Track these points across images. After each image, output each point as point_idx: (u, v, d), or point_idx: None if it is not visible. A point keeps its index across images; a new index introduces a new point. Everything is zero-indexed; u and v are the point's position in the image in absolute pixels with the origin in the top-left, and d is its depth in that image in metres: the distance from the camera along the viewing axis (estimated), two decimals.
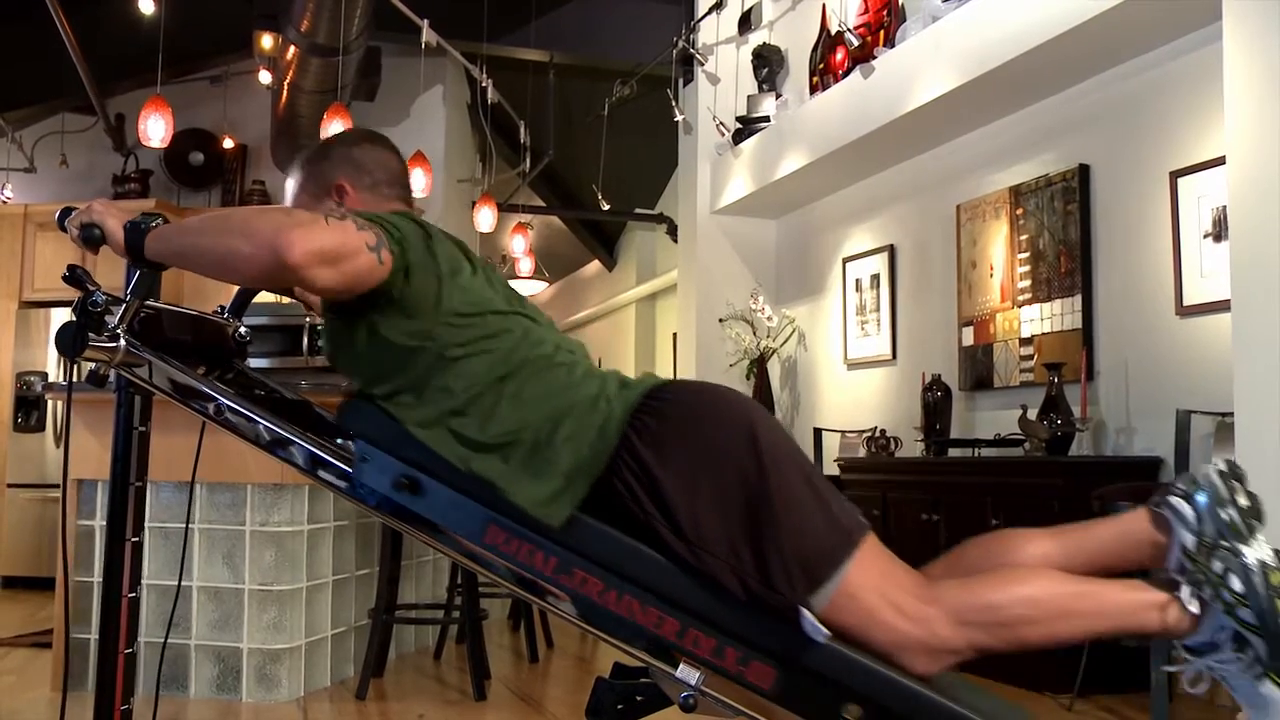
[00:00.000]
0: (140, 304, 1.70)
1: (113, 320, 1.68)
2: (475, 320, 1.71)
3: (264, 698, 3.66)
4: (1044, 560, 1.72)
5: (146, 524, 3.73)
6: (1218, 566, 1.62)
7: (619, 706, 1.63)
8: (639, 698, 1.64)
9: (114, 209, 1.69)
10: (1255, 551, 1.61)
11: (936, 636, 1.60)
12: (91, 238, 1.66)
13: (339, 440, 1.88)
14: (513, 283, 10.99)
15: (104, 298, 1.66)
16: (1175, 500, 1.68)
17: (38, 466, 6.95)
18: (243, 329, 2.01)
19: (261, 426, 1.70)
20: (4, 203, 7.31)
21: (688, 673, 1.53)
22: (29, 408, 7.03)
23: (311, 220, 1.58)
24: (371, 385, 1.72)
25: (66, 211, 1.72)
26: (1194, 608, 1.63)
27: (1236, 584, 1.60)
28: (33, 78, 7.13)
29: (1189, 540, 1.65)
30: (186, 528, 2.19)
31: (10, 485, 7.04)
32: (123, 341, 1.68)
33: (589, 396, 1.68)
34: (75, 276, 1.65)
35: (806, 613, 1.54)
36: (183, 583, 3.72)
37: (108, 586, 1.81)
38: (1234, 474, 1.68)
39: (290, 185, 2.01)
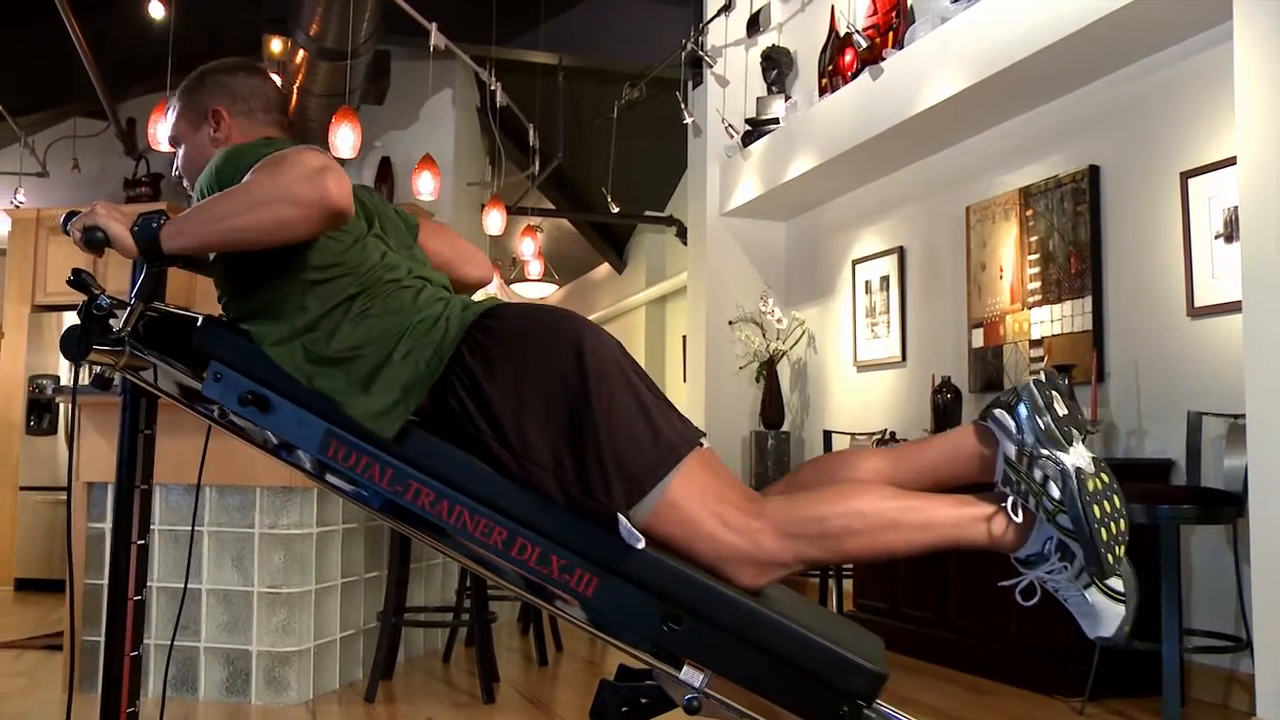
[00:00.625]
0: (145, 307, 1.71)
1: (117, 323, 1.68)
2: (334, 245, 1.76)
3: (273, 700, 3.66)
4: (875, 476, 1.75)
5: (156, 527, 3.76)
6: (1038, 475, 1.63)
7: (623, 709, 1.63)
8: (644, 700, 1.63)
9: (117, 212, 1.70)
10: (1073, 458, 1.62)
11: (762, 549, 1.62)
12: (94, 241, 1.66)
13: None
14: (520, 286, 10.93)
15: (108, 301, 1.66)
16: (999, 412, 1.70)
17: (50, 469, 6.98)
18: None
19: (263, 429, 1.70)
20: (16, 207, 7.34)
21: (692, 675, 1.52)
22: (41, 411, 7.06)
23: (319, 159, 1.66)
24: (237, 309, 1.78)
25: (70, 215, 1.72)
26: (1019, 518, 1.64)
27: (1055, 491, 1.61)
28: (45, 83, 7.17)
29: (1011, 450, 1.66)
30: (193, 530, 2.20)
31: (23, 488, 7.07)
32: (127, 345, 1.68)
33: (430, 317, 1.73)
34: (80, 280, 1.65)
35: (623, 519, 1.57)
36: (193, 585, 3.73)
37: (113, 589, 1.81)
38: (1052, 383, 1.69)
39: (169, 115, 2.08)
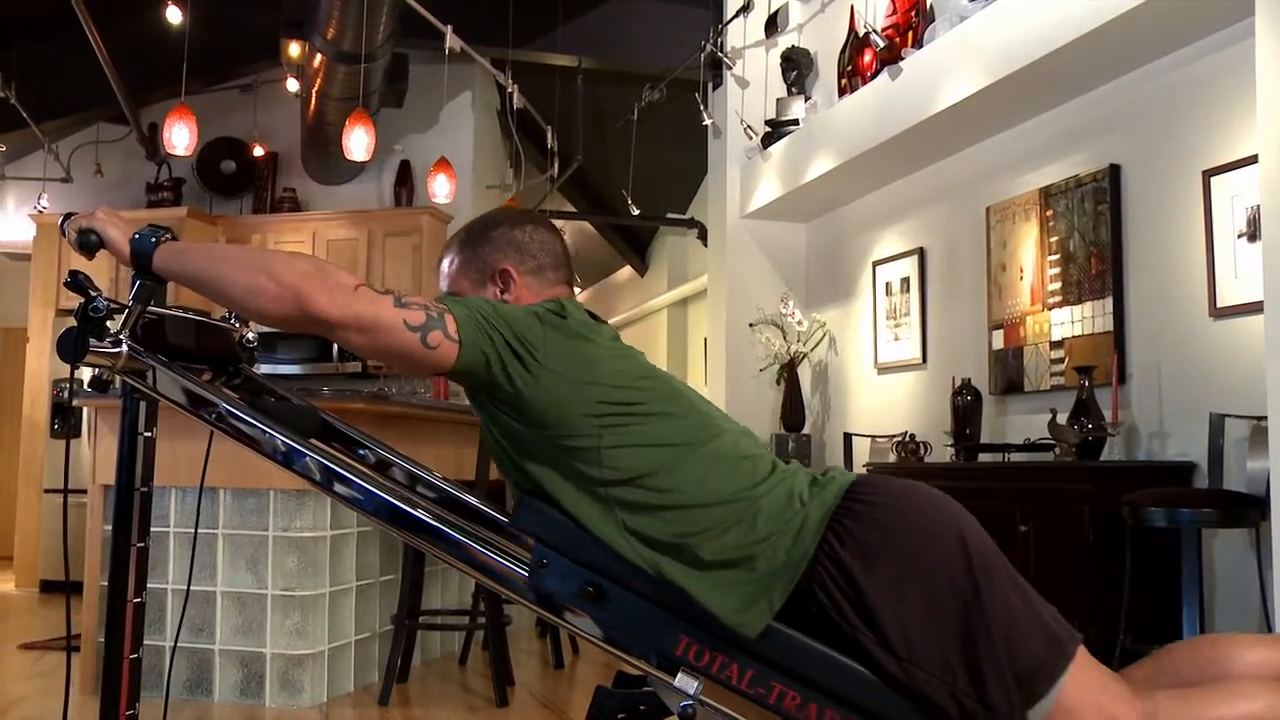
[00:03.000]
0: (143, 309, 1.70)
1: (115, 325, 1.68)
2: (628, 405, 1.63)
3: (287, 703, 3.66)
4: (1265, 668, 1.62)
5: (172, 530, 3.77)
6: None
7: (620, 715, 1.60)
8: (641, 707, 1.61)
9: (115, 217, 1.70)
10: None
11: None
12: (88, 243, 1.66)
13: (359, 451, 1.88)
14: None
15: (106, 303, 1.66)
16: None
17: (73, 472, 7.03)
18: (250, 334, 2.00)
19: (262, 433, 1.69)
20: (40, 213, 7.41)
21: (686, 682, 1.50)
22: (65, 414, 7.12)
23: (344, 283, 1.56)
24: (523, 480, 1.65)
25: (69, 217, 1.72)
26: None
27: None
28: (68, 90, 7.24)
29: None
30: (195, 532, 2.19)
31: (47, 491, 7.13)
32: (125, 347, 1.68)
33: (782, 496, 1.60)
34: (76, 282, 1.65)
35: None
36: (208, 588, 3.74)
37: (113, 591, 1.81)
38: None
39: (446, 268, 1.90)
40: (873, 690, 1.49)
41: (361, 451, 1.98)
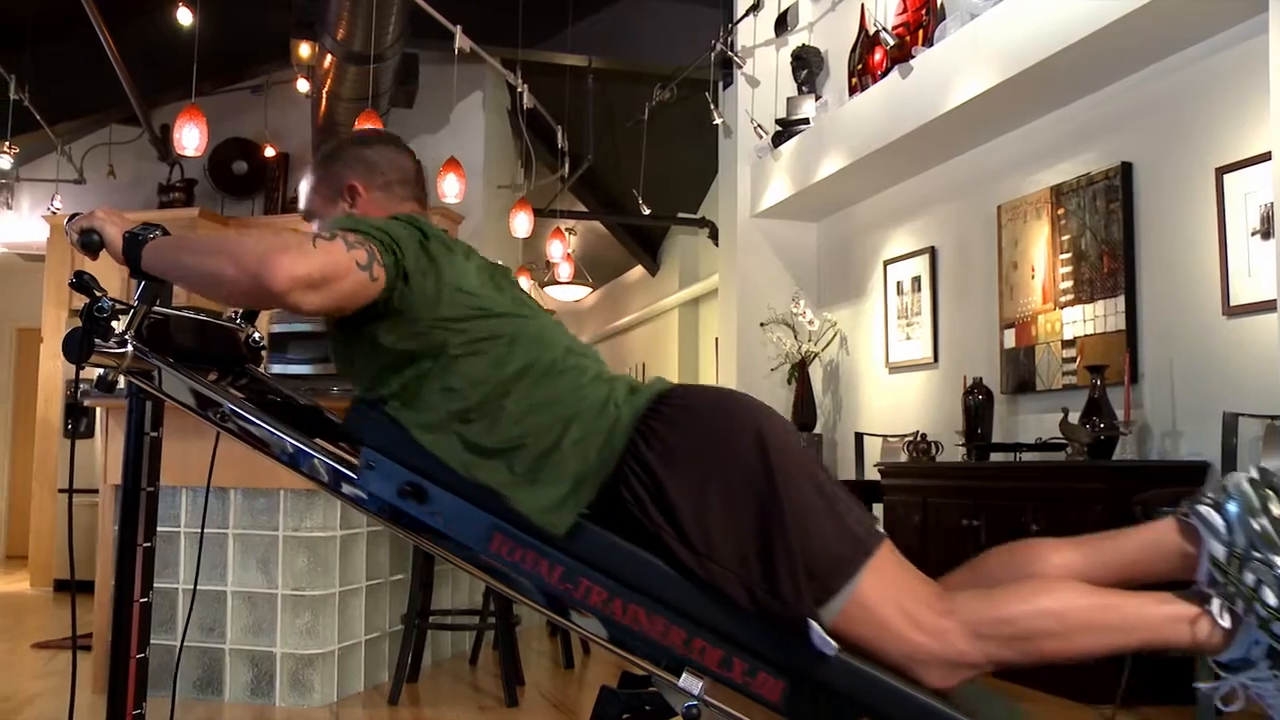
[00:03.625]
0: (148, 310, 1.71)
1: (120, 326, 1.68)
2: (478, 321, 1.69)
3: (297, 702, 3.67)
4: (1067, 571, 1.66)
5: (183, 529, 3.78)
6: (1250, 579, 1.55)
7: (625, 716, 1.60)
8: (646, 707, 1.61)
9: (117, 217, 1.70)
10: None
11: (953, 649, 1.55)
12: (90, 243, 1.66)
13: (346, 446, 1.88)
14: (552, 289, 10.95)
15: (110, 303, 1.66)
16: (1204, 509, 1.61)
17: (87, 472, 7.06)
18: (255, 334, 2.01)
19: (267, 433, 1.69)
20: (54, 214, 7.44)
21: (691, 682, 1.50)
22: (79, 414, 7.14)
23: (299, 245, 1.56)
24: (376, 390, 1.71)
25: (73, 218, 1.72)
26: (1226, 622, 1.56)
27: (1271, 598, 1.53)
28: (80, 91, 7.27)
29: (1219, 551, 1.58)
30: (202, 532, 2.20)
31: (61, 490, 7.16)
32: (130, 347, 1.68)
33: (597, 401, 1.66)
34: (82, 283, 1.66)
35: (815, 625, 1.50)
36: (218, 588, 3.75)
37: (119, 591, 1.81)
38: (1267, 482, 1.60)
39: (304, 187, 2.01)
40: (675, 584, 1.55)
41: None
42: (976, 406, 4.88)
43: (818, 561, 1.54)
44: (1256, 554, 1.55)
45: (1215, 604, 1.56)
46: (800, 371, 6.30)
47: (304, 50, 6.27)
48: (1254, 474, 1.61)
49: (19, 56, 6.50)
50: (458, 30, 5.45)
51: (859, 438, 5.76)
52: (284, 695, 3.68)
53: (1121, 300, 4.31)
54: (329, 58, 5.90)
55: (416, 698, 3.84)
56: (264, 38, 6.98)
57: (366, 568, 3.98)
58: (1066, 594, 1.59)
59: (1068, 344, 4.60)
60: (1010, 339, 4.97)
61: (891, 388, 6.01)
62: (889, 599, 1.57)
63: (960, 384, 5.07)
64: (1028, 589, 1.60)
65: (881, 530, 1.63)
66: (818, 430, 6.31)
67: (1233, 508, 1.59)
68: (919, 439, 5.32)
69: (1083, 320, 4.53)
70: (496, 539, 1.60)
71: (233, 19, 6.58)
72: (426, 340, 1.66)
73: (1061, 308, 4.65)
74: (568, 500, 1.59)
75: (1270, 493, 1.59)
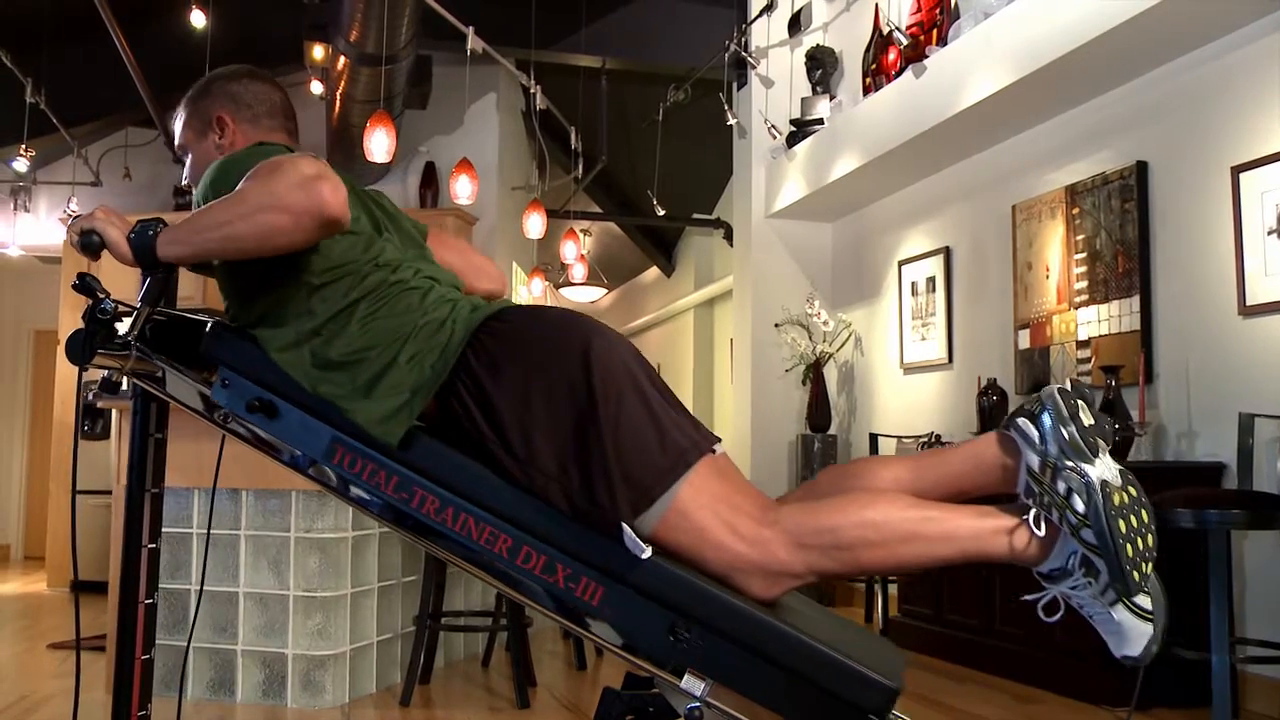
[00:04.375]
0: (151, 311, 1.71)
1: (124, 327, 1.68)
2: (341, 247, 1.74)
3: (309, 703, 3.67)
4: (894, 484, 1.69)
5: (195, 530, 3.79)
6: (1061, 487, 1.57)
7: (628, 717, 1.59)
8: (650, 709, 1.60)
9: (116, 217, 1.70)
10: (1099, 470, 1.56)
11: (773, 559, 1.58)
12: (90, 245, 1.66)
13: None
14: (567, 290, 10.92)
15: (113, 305, 1.66)
16: (1022, 421, 1.64)
17: (103, 473, 7.09)
18: None
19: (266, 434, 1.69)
20: (70, 216, 7.48)
21: (693, 684, 1.49)
22: (95, 416, 7.18)
23: (314, 166, 1.62)
24: (243, 315, 1.77)
25: (76, 219, 1.72)
26: (1042, 531, 1.59)
27: (1079, 504, 1.55)
28: (96, 94, 7.30)
29: (1034, 461, 1.61)
30: (209, 532, 2.20)
31: (78, 491, 7.18)
32: (133, 348, 1.68)
33: (437, 319, 1.70)
34: (84, 284, 1.65)
35: (627, 529, 1.54)
36: (230, 589, 3.75)
37: (124, 593, 1.81)
38: (1077, 392, 1.63)
39: (177, 125, 2.07)
40: (502, 493, 1.61)
41: None
42: (991, 407, 4.86)
43: (636, 470, 1.58)
44: (1068, 462, 1.58)
45: (1032, 514, 1.59)
46: (815, 372, 6.28)
47: (317, 52, 6.28)
48: (1066, 384, 1.64)
49: (35, 60, 6.53)
50: (470, 31, 5.45)
51: (873, 439, 5.74)
52: (296, 696, 3.68)
53: (1136, 300, 4.28)
54: (342, 60, 5.91)
55: (428, 699, 3.84)
56: (277, 40, 7.00)
57: (379, 569, 3.98)
58: (888, 506, 1.61)
59: (1082, 344, 4.57)
60: (1025, 339, 4.94)
61: (906, 388, 5.98)
62: (708, 508, 1.60)
63: (975, 385, 5.05)
64: (851, 501, 1.62)
65: (707, 442, 1.66)
66: (832, 431, 6.29)
67: (1046, 418, 1.61)
68: (933, 440, 5.30)
69: (1097, 320, 4.50)
70: (339, 451, 1.66)
71: (246, 21, 6.61)
72: (294, 265, 1.71)
73: (1076, 308, 4.62)
74: (400, 412, 1.63)
75: (1080, 402, 1.62)
